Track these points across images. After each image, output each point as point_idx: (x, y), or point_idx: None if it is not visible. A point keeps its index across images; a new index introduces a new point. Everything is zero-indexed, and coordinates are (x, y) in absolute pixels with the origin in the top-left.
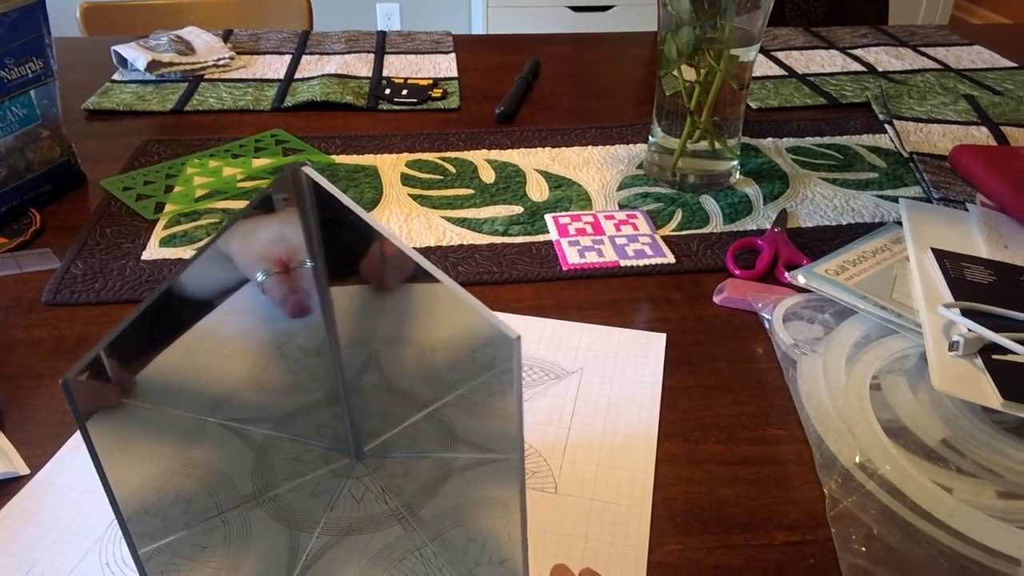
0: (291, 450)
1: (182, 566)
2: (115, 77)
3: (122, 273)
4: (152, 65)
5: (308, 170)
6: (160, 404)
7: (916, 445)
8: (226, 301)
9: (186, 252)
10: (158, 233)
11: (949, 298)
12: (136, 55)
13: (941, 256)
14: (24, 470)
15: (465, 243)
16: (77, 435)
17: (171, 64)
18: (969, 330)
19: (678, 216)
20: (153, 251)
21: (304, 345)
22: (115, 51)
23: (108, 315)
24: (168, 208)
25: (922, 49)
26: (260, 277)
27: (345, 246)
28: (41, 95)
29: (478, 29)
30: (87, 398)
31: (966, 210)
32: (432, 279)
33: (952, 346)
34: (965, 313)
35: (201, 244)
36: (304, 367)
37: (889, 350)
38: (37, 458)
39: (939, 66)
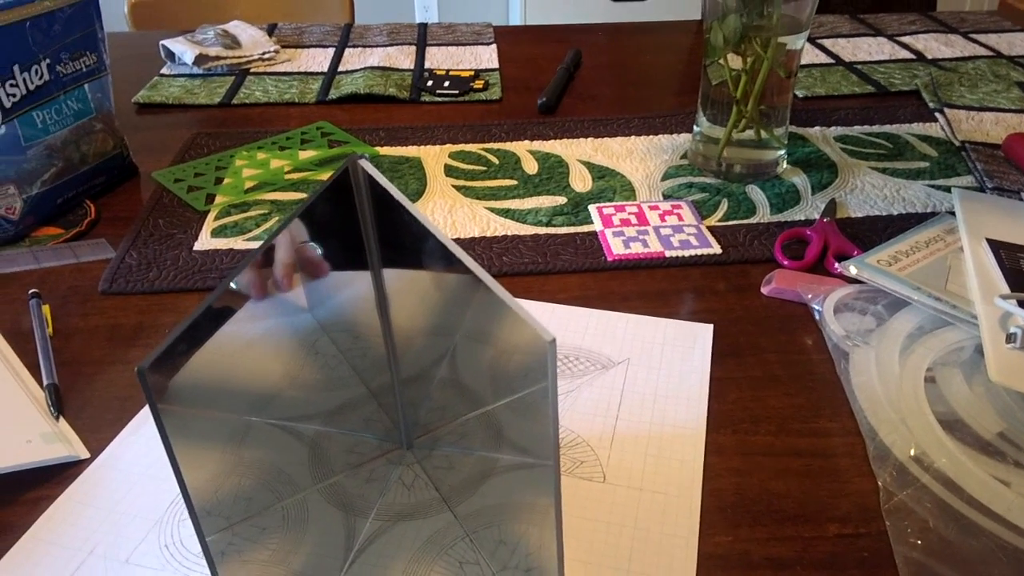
0: (344, 443)
1: (242, 546)
2: (163, 71)
3: (175, 263)
4: (199, 59)
5: (364, 163)
6: (203, 407)
7: (972, 438)
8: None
9: (236, 242)
10: (209, 224)
11: (1005, 289)
12: (184, 49)
13: (996, 246)
14: (84, 454)
15: (509, 234)
16: (135, 419)
17: (218, 58)
18: None
19: (724, 206)
20: (205, 241)
21: (337, 340)
22: (163, 45)
23: (163, 303)
24: (218, 199)
25: (972, 36)
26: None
27: (396, 238)
28: (95, 89)
29: (516, 20)
30: (159, 386)
31: (1021, 199)
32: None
33: (1009, 338)
34: (1022, 304)
35: (251, 235)
36: (340, 362)
37: (944, 342)
38: (96, 442)
39: (990, 53)
